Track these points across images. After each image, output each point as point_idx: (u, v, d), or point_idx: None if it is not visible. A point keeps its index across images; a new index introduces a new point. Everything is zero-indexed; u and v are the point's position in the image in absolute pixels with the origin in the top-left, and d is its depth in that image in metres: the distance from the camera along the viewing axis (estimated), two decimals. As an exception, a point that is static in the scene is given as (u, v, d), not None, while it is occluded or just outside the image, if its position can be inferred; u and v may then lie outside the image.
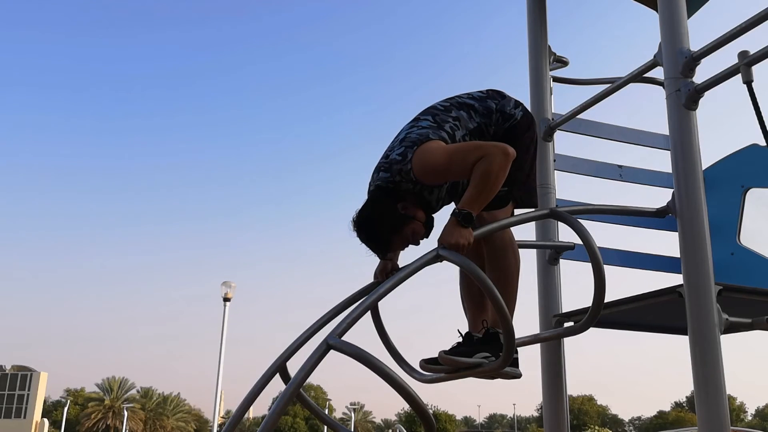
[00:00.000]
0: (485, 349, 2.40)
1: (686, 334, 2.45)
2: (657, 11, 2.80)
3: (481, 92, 2.70)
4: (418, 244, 2.61)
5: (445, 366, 2.39)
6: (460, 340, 2.49)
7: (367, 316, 2.30)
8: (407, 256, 2.61)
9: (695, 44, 2.67)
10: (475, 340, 2.45)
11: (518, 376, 2.43)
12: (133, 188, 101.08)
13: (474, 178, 2.35)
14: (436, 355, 2.40)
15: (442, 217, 2.38)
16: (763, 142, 2.59)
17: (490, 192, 2.34)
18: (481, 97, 2.66)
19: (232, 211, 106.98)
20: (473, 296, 2.66)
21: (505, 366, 2.32)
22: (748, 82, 2.50)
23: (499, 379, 2.46)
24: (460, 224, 2.30)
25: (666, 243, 3.18)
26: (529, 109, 2.76)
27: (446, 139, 2.51)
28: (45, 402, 60.76)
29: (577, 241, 2.57)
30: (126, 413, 58.27)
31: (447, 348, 2.43)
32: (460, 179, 2.54)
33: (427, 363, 2.44)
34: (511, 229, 2.60)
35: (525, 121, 2.65)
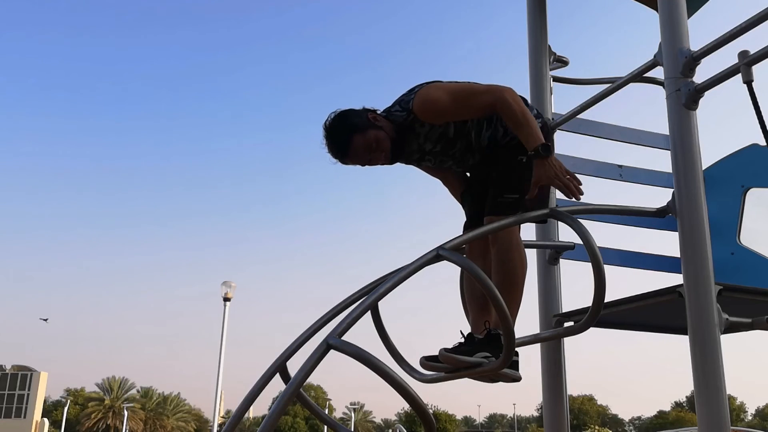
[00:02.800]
0: (486, 349, 2.39)
1: (686, 334, 2.44)
2: (657, 11, 2.79)
3: None
4: (380, 159, 2.57)
5: (445, 364, 2.39)
6: (462, 340, 2.49)
7: (367, 316, 2.30)
8: (407, 256, 2.61)
9: (695, 44, 2.67)
10: (477, 341, 2.45)
11: (518, 378, 2.43)
12: (133, 188, 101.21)
13: (509, 123, 2.49)
14: (437, 353, 2.41)
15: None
16: (763, 142, 2.58)
17: (526, 120, 2.45)
18: None
19: (232, 211, 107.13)
20: (476, 297, 2.66)
21: (504, 366, 2.32)
22: (748, 82, 2.49)
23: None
24: (544, 157, 2.41)
25: (666, 243, 3.18)
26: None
27: None
28: (45, 402, 60.73)
29: (577, 241, 2.57)
30: (126, 413, 58.24)
31: (448, 346, 2.43)
32: (463, 119, 2.57)
33: (427, 360, 2.44)
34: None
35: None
